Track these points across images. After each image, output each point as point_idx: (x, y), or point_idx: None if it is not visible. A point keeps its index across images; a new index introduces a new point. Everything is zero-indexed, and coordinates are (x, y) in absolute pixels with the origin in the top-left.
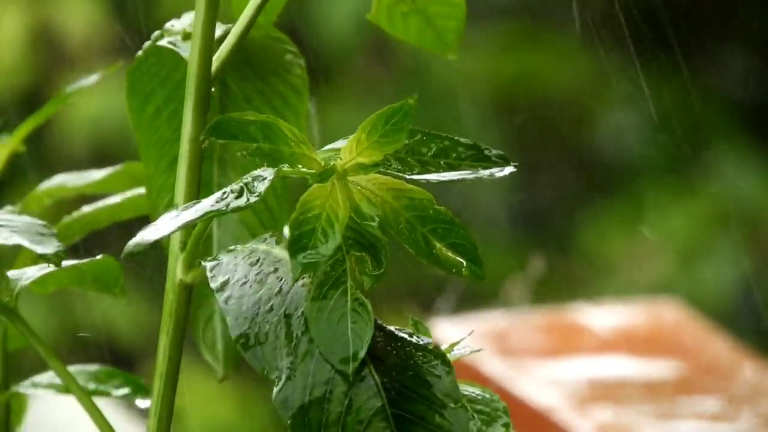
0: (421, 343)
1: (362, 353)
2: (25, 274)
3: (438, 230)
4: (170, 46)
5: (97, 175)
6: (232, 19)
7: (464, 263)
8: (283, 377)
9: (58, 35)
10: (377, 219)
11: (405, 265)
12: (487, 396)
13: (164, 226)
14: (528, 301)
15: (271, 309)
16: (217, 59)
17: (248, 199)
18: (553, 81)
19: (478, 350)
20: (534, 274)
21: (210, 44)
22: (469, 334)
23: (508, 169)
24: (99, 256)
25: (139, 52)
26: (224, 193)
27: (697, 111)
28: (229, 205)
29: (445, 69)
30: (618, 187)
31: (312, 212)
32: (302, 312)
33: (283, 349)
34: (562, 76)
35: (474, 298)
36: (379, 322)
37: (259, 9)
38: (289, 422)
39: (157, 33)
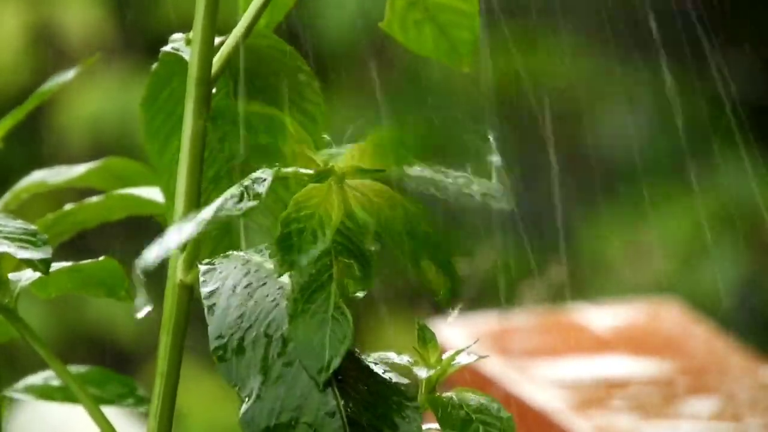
0: (395, 381)
1: (336, 362)
2: (25, 275)
3: (426, 248)
4: (173, 51)
5: (76, 171)
6: (232, 25)
7: (443, 284)
8: (253, 396)
9: (58, 34)
10: (371, 226)
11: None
12: (487, 404)
13: (171, 240)
14: (534, 301)
15: (253, 325)
16: (217, 61)
17: (248, 203)
18: (553, 81)
19: (484, 356)
20: (544, 277)
21: (210, 46)
22: (474, 342)
23: (505, 204)
24: (101, 258)
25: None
26: (225, 199)
27: (698, 111)
28: (231, 210)
29: (444, 69)
30: (618, 187)
31: (305, 211)
32: (281, 334)
33: (257, 367)
34: (562, 76)
35: (478, 298)
36: (356, 354)
37: (262, 9)
38: None
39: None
